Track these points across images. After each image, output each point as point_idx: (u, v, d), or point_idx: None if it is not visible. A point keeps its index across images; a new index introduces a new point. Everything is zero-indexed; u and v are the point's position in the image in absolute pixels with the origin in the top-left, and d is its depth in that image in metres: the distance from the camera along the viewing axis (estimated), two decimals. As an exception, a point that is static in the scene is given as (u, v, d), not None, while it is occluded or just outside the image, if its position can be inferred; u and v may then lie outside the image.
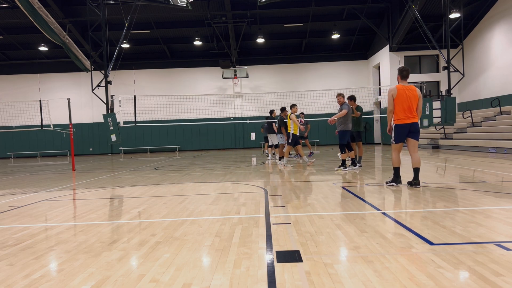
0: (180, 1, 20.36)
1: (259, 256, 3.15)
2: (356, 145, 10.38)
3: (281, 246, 3.38)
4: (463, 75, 17.53)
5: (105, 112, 16.46)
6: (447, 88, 16.77)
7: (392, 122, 6.68)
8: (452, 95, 16.55)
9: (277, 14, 24.28)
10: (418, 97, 6.56)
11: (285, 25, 25.14)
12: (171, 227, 4.27)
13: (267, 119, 14.69)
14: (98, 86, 15.99)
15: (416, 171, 6.53)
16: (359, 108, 10.13)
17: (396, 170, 6.75)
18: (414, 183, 6.51)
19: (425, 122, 15.59)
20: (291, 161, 13.19)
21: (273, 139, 13.79)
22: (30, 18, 15.21)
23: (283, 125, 12.34)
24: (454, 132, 19.06)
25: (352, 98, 10.08)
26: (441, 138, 19.19)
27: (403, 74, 6.62)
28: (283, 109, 12.63)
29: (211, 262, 3.06)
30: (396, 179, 6.76)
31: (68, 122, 14.22)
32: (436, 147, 18.73)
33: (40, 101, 16.03)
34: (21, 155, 27.59)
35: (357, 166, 9.93)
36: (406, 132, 6.55)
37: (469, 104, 21.87)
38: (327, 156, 15.43)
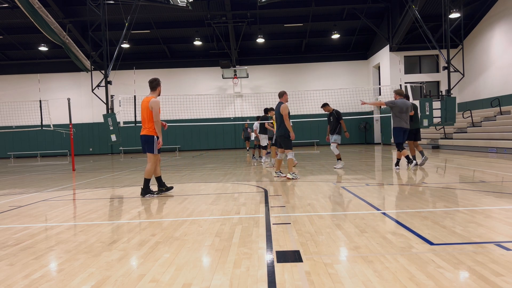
0: (180, 1, 20.37)
1: (259, 256, 3.15)
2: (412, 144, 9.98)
3: (281, 246, 3.38)
4: (463, 75, 17.52)
5: (105, 112, 16.48)
6: (447, 88, 16.76)
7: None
8: (452, 95, 16.54)
9: (277, 14, 24.28)
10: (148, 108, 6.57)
11: (285, 25, 25.14)
12: (171, 227, 4.26)
13: (259, 119, 13.54)
14: (98, 86, 15.99)
15: (158, 179, 6.79)
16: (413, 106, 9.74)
17: (147, 182, 6.59)
18: (163, 189, 6.77)
19: (425, 122, 15.56)
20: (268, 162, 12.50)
21: (263, 140, 12.81)
22: (30, 18, 15.23)
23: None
24: (454, 132, 19.06)
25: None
26: (441, 138, 19.19)
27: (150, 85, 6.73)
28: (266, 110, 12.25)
29: (211, 262, 3.06)
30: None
31: (68, 122, 14.22)
32: (436, 147, 18.74)
33: (40, 101, 16.02)
34: (21, 155, 27.59)
35: (413, 163, 9.36)
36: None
37: (469, 104, 21.86)
38: (327, 157, 15.42)
